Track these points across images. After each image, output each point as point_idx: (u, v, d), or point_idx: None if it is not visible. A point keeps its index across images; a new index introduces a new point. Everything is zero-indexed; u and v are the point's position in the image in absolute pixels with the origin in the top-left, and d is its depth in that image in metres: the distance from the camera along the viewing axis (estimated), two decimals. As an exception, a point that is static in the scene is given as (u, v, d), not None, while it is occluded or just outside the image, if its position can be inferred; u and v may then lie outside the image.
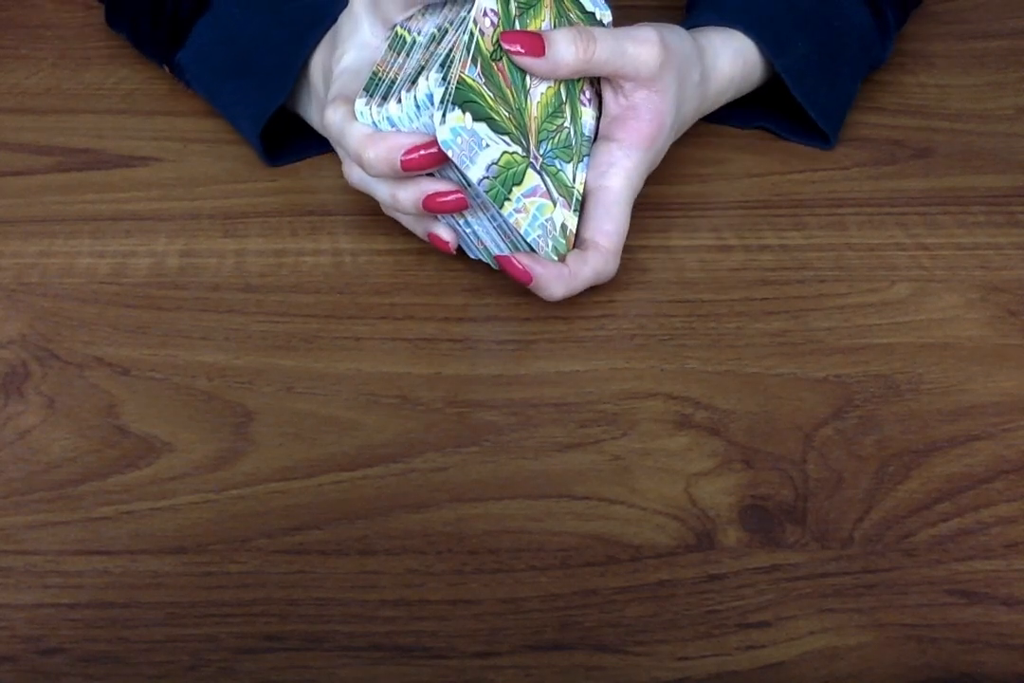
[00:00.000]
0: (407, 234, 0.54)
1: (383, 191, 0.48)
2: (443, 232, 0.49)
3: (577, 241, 0.50)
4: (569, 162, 0.50)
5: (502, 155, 0.46)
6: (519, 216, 0.47)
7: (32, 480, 0.43)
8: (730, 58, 0.56)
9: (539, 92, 0.48)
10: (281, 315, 0.50)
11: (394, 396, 0.46)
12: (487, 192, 0.46)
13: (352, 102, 0.47)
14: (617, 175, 0.50)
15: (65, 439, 0.44)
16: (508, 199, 0.47)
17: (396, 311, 0.50)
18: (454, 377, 0.47)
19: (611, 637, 0.38)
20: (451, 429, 0.45)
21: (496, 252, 0.49)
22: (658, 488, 0.43)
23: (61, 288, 0.52)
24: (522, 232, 0.47)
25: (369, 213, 0.56)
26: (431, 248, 0.54)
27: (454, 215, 0.48)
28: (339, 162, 0.59)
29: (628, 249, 0.53)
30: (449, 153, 0.44)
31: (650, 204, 0.56)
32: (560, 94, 0.49)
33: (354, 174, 0.50)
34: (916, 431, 0.45)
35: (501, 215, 0.47)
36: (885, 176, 0.59)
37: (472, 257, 0.52)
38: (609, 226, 0.50)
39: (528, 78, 0.48)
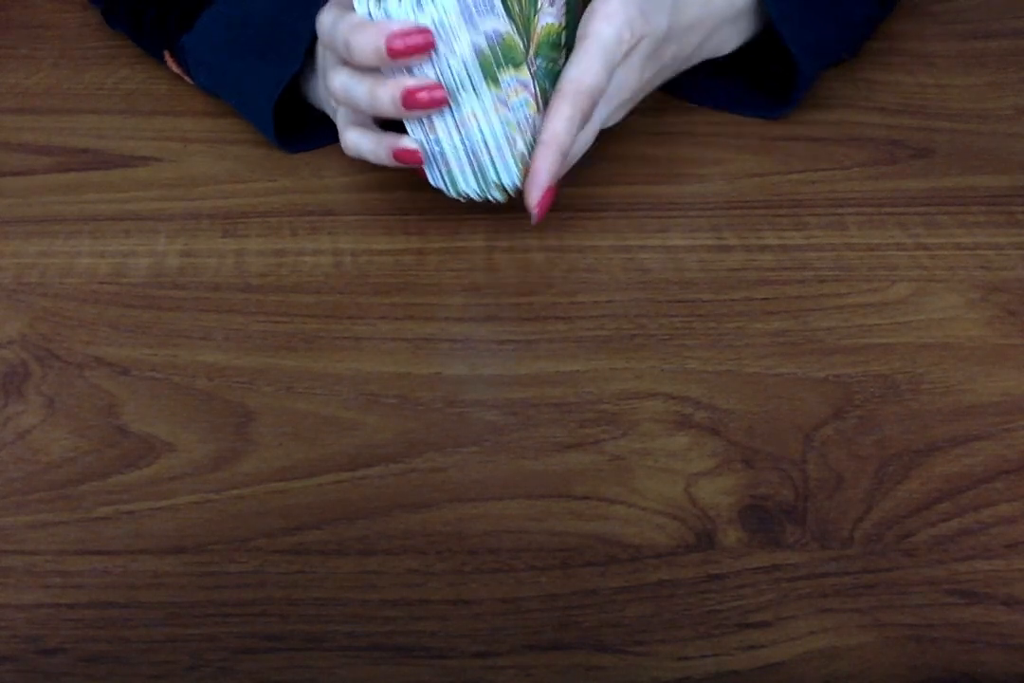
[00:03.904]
0: (407, 234, 0.54)
1: (362, 91, 0.48)
2: (409, 143, 0.49)
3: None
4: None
5: (507, 34, 0.47)
6: (500, 105, 0.48)
7: (32, 480, 0.43)
8: None
9: (545, 21, 0.49)
10: (281, 315, 0.50)
11: (394, 396, 0.46)
12: (478, 58, 0.46)
13: (346, 9, 0.47)
14: (593, 21, 0.50)
15: (65, 439, 0.44)
16: (496, 79, 0.47)
17: (396, 311, 0.50)
18: (454, 377, 0.47)
19: (611, 637, 0.38)
20: (451, 429, 0.45)
21: (460, 176, 0.50)
22: (658, 488, 0.43)
23: (61, 288, 0.52)
24: (500, 117, 0.48)
25: (369, 213, 0.56)
26: (431, 248, 0.54)
27: (424, 127, 0.48)
28: (339, 161, 0.59)
29: (628, 249, 0.53)
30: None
31: (650, 204, 0.56)
32: (561, 36, 0.50)
33: (336, 80, 0.49)
34: (916, 431, 0.45)
35: (480, 101, 0.47)
36: (885, 176, 0.59)
37: (433, 185, 0.51)
38: (573, 71, 0.49)
39: (538, 3, 0.48)
